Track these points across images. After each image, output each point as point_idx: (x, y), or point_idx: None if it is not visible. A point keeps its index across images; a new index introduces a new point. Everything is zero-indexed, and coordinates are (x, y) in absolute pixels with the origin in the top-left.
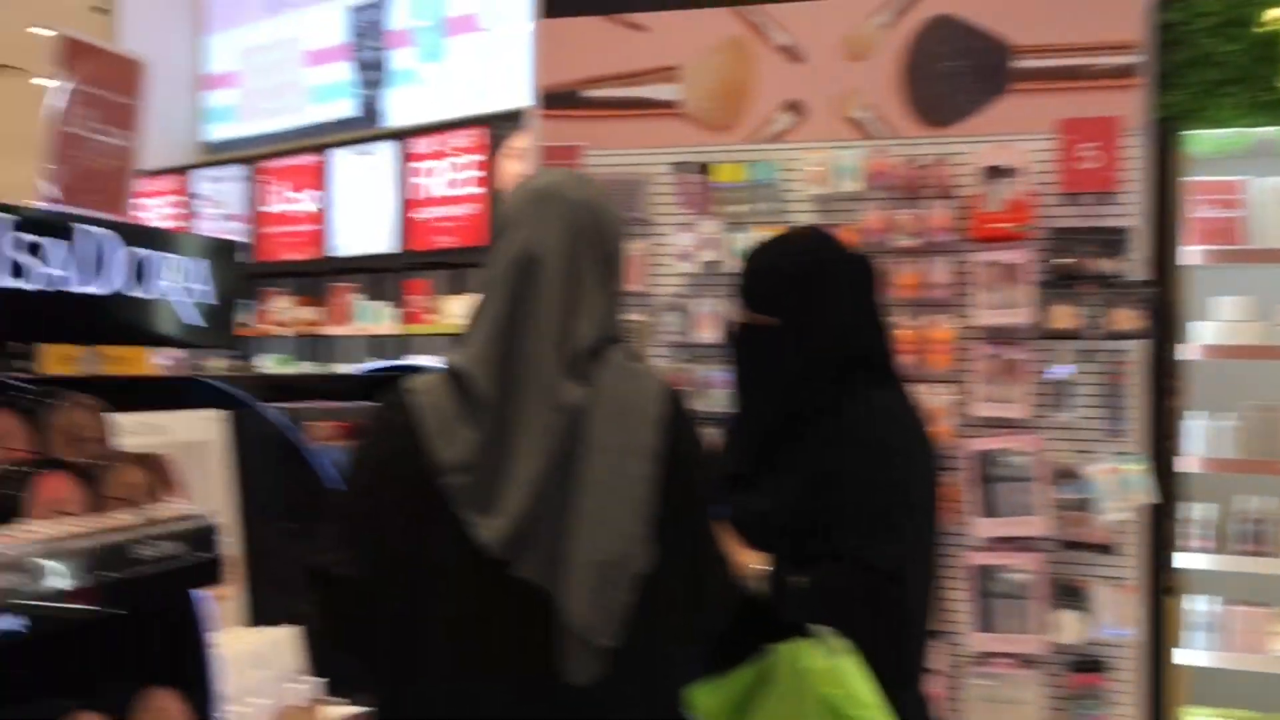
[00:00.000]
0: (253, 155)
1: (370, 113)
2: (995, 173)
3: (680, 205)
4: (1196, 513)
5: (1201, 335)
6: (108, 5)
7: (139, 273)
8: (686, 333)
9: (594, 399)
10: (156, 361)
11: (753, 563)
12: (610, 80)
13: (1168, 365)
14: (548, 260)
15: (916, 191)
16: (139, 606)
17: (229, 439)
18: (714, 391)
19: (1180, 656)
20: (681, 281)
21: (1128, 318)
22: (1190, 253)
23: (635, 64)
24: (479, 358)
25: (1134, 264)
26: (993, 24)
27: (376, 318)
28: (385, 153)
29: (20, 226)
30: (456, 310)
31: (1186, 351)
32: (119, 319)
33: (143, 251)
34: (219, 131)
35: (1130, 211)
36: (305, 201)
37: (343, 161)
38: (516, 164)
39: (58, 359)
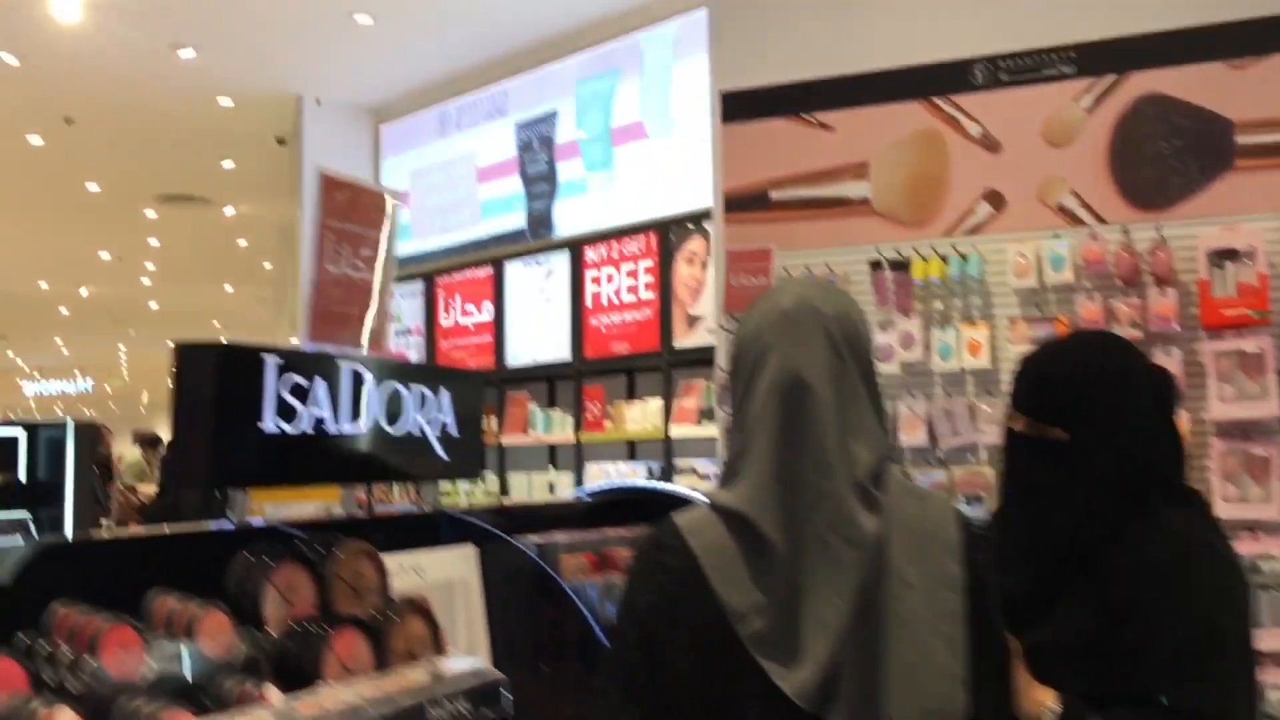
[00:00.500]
0: (428, 270)
1: (541, 224)
2: (1223, 255)
3: (878, 304)
4: None
5: None
6: (289, 135)
7: (391, 408)
8: (890, 436)
9: (889, 528)
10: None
11: (1045, 700)
12: (797, 180)
13: None
14: (815, 384)
15: (1135, 279)
16: None
17: (482, 576)
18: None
19: None
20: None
21: None
22: None
23: (823, 163)
24: (756, 494)
25: None
26: (1210, 100)
27: (553, 426)
28: (557, 262)
29: (286, 368)
30: (632, 416)
31: None
32: (374, 457)
33: (394, 385)
34: (397, 249)
35: None
36: (480, 313)
37: (515, 272)
38: (691, 267)
39: (262, 500)
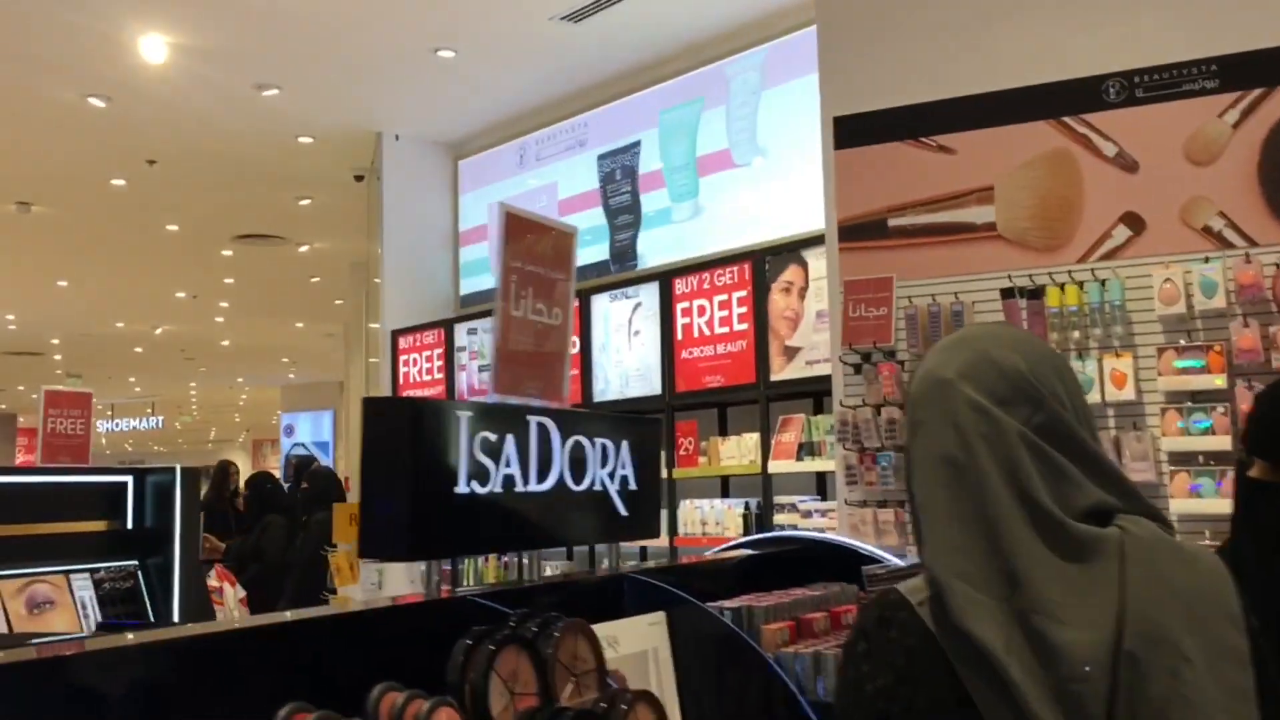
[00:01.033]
0: None
1: (625, 255)
2: None
3: None
4: None
5: None
6: (366, 172)
7: (575, 463)
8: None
9: (1151, 591)
10: None
11: None
12: (917, 206)
13: None
14: (966, 459)
15: None
16: None
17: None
18: None
19: None
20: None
21: None
22: None
23: (944, 187)
24: (982, 562)
25: None
26: None
27: None
28: (646, 294)
29: (478, 424)
30: (728, 451)
31: None
32: (559, 518)
33: (578, 438)
34: (476, 284)
35: None
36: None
37: (601, 305)
38: (788, 298)
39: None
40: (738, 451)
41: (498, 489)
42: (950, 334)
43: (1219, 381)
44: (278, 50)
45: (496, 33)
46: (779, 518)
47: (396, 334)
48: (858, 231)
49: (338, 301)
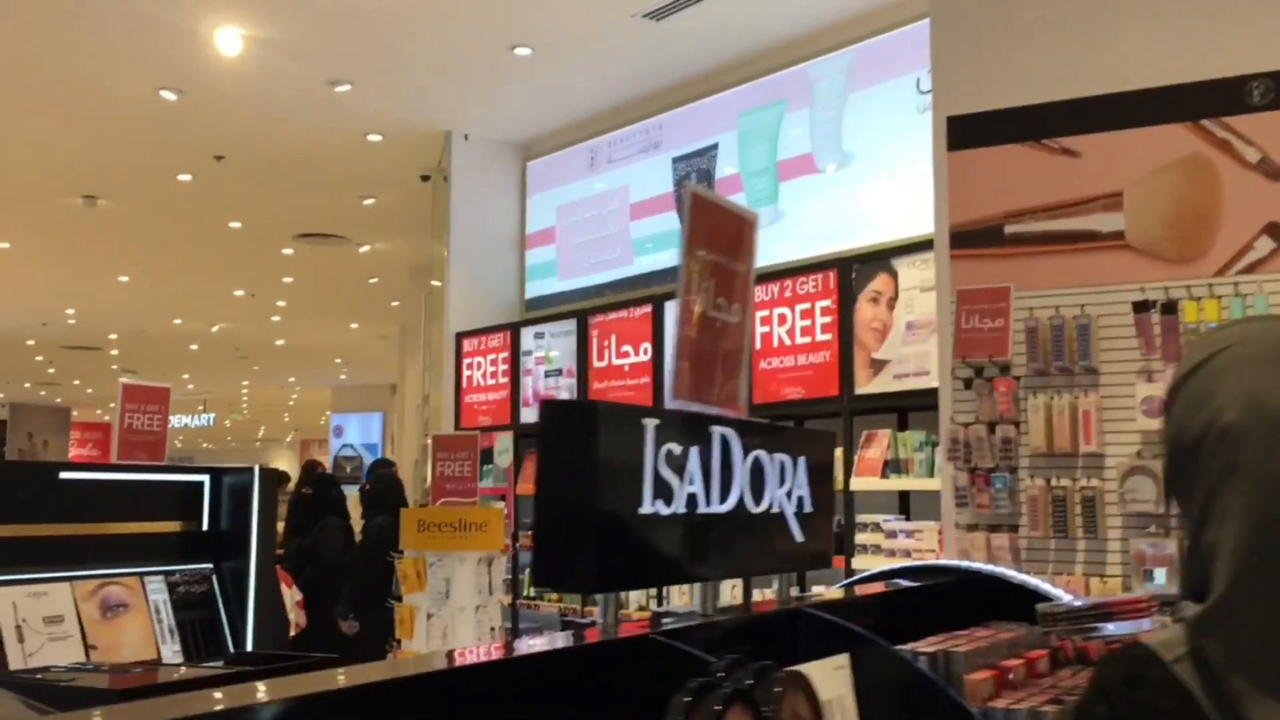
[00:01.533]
0: (580, 309)
1: None
2: None
3: (1144, 350)
4: None
5: None
6: (433, 172)
7: (754, 481)
8: (1157, 502)
9: None
10: None
11: None
12: (1037, 212)
13: None
14: None
15: None
16: None
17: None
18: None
19: None
20: (1144, 440)
21: None
22: None
23: (1067, 193)
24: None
25: None
26: None
27: None
28: None
29: (663, 434)
30: None
31: None
32: (738, 543)
33: (758, 454)
34: (540, 288)
35: None
36: (636, 354)
37: (674, 312)
38: (876, 308)
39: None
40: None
41: (681, 509)
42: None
43: None
44: (353, 45)
45: (576, 30)
46: (860, 538)
47: (461, 336)
48: (971, 238)
49: (394, 303)
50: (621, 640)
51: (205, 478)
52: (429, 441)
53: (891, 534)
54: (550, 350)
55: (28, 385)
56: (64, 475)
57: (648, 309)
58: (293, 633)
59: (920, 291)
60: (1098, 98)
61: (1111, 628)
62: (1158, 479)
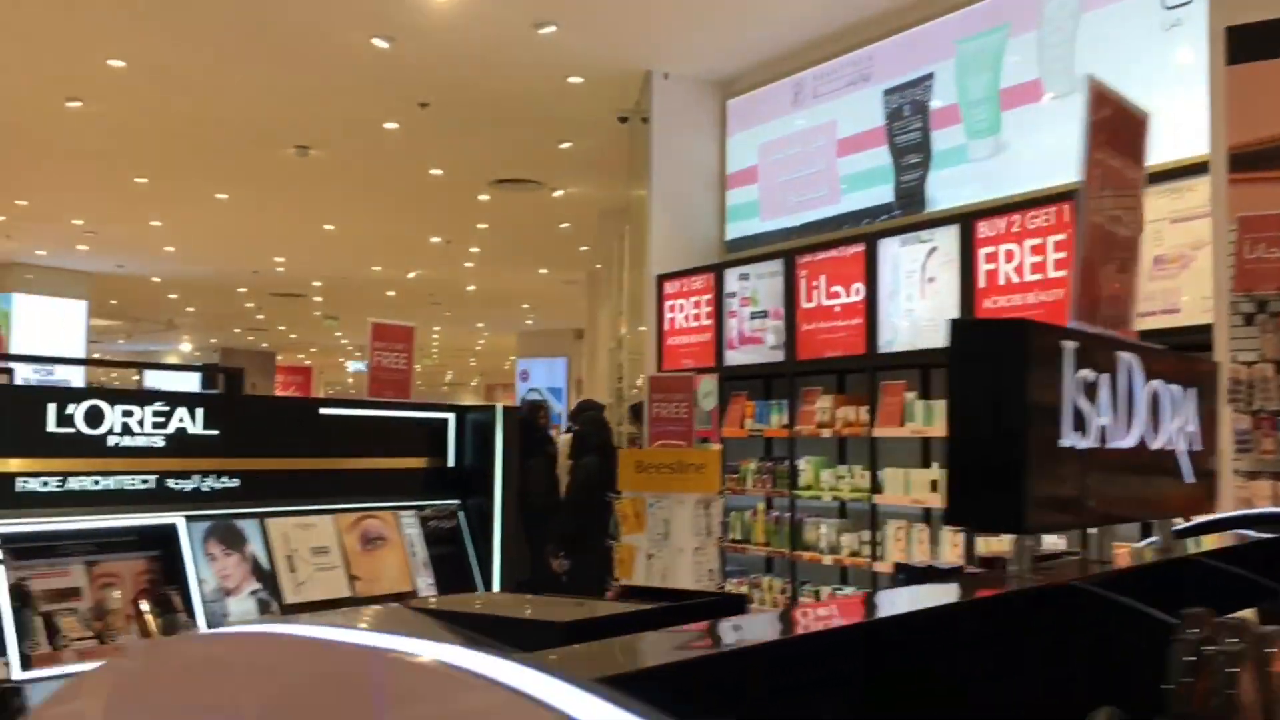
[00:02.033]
0: (787, 249)
1: (912, 197)
2: None
3: None
4: None
5: None
6: (630, 113)
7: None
8: None
9: None
10: None
11: None
12: None
13: None
14: None
15: None
16: None
17: None
18: None
19: None
20: None
21: None
22: None
23: None
24: None
25: None
26: None
27: (934, 417)
28: (941, 238)
29: (1081, 357)
30: None
31: None
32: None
33: (1156, 385)
34: (741, 229)
35: None
36: (848, 294)
37: (889, 250)
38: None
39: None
40: None
41: (1094, 443)
42: None
43: None
44: None
45: None
46: None
47: (662, 279)
48: (1254, 160)
49: (583, 248)
50: (1039, 589)
51: (450, 415)
52: (641, 383)
53: None
54: (755, 291)
55: (237, 330)
56: (323, 411)
57: (860, 248)
58: None
59: (1170, 223)
60: None
61: None
62: None
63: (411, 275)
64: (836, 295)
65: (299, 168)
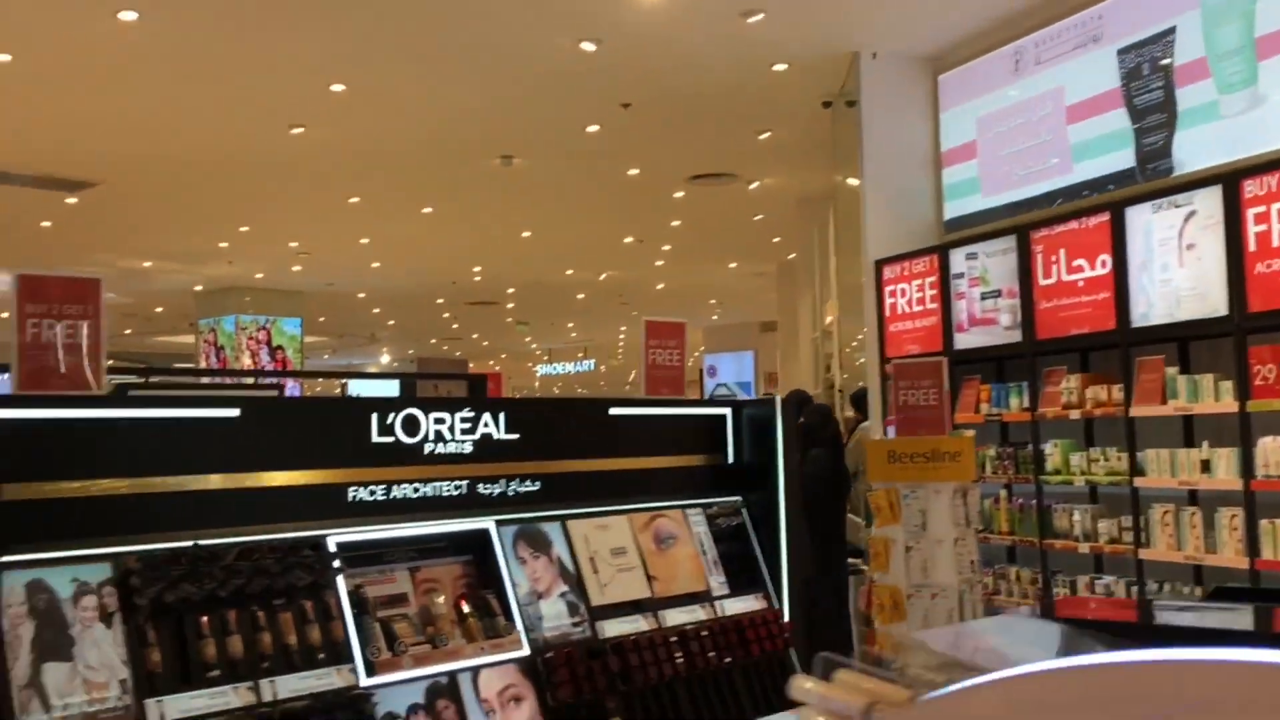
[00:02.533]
0: (1018, 224)
1: (1155, 160)
2: None
3: None
4: None
5: None
6: (835, 97)
7: None
8: None
9: None
10: None
11: None
12: None
13: None
14: None
15: None
16: None
17: None
18: None
19: None
20: None
21: None
22: None
23: None
24: None
25: None
26: None
27: (1200, 393)
28: (1201, 201)
29: None
30: None
31: None
32: None
33: None
34: (960, 207)
35: None
36: (1092, 267)
37: (1139, 217)
38: None
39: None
40: None
41: None
42: None
43: None
44: None
45: None
46: None
47: (881, 264)
48: None
49: (776, 239)
50: None
51: (727, 410)
52: (857, 371)
53: None
54: (985, 271)
55: (433, 341)
56: (612, 411)
57: (1104, 217)
58: None
59: None
60: None
61: None
62: None
63: (603, 277)
64: (1079, 269)
65: (502, 177)
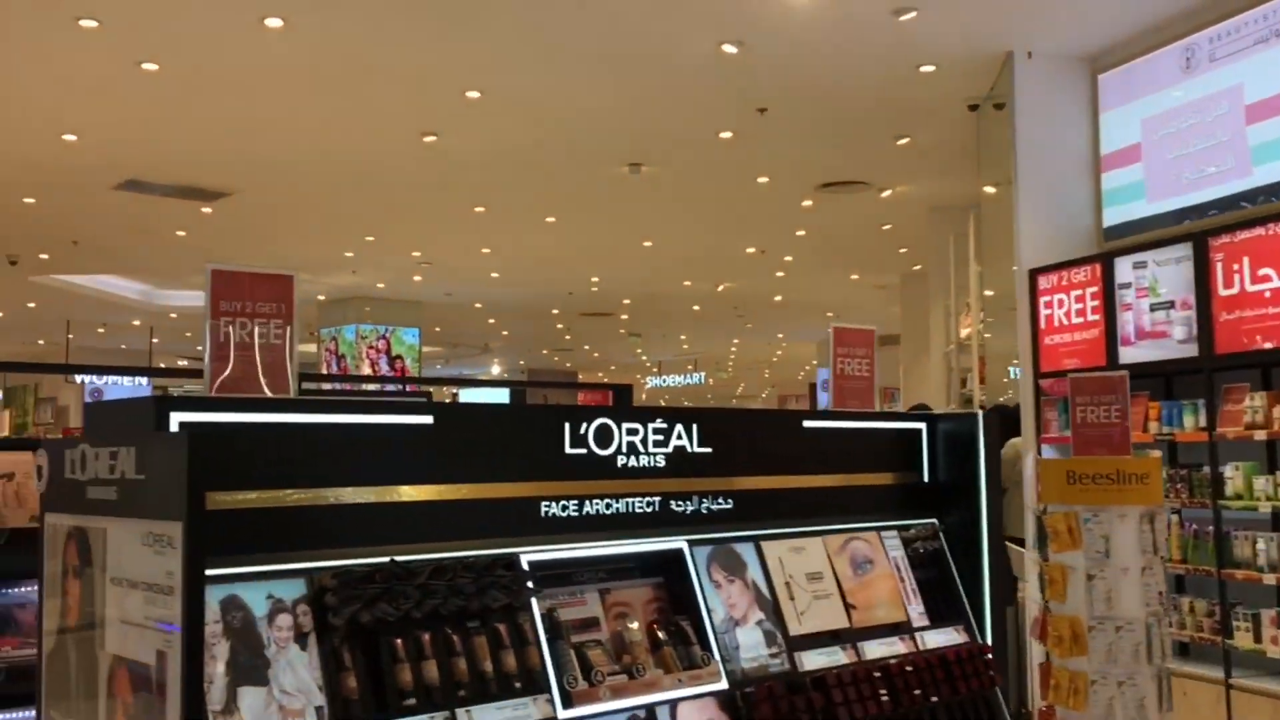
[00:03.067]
0: (1195, 231)
1: None
2: None
3: None
4: None
5: None
6: (983, 100)
7: None
8: None
9: None
10: None
11: None
12: None
13: None
14: None
15: None
16: None
17: None
18: None
19: None
20: None
21: None
22: None
23: None
24: None
25: None
26: None
27: None
28: None
29: None
30: None
31: None
32: None
33: None
34: (1122, 213)
35: None
36: (1279, 277)
37: None
38: None
39: None
40: None
41: None
42: None
43: None
44: None
45: None
46: None
47: (1035, 273)
48: None
49: (902, 250)
50: None
51: (921, 425)
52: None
53: None
54: (1155, 280)
55: (545, 351)
56: (806, 424)
57: None
58: None
59: None
60: None
61: None
62: None
63: (720, 288)
64: (1265, 279)
65: (629, 186)
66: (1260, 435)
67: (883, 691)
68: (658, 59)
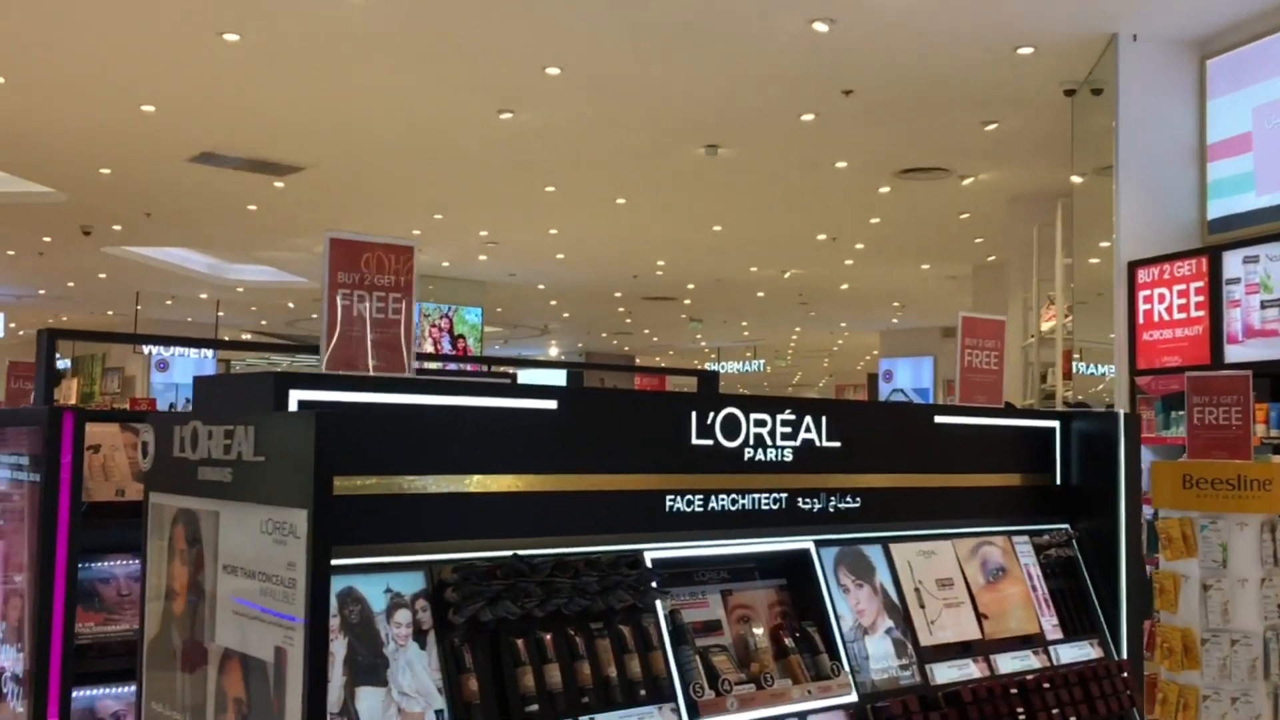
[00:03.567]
0: None
1: None
2: None
3: None
4: None
5: None
6: (1080, 85)
7: None
8: None
9: None
10: None
11: None
12: None
13: None
14: None
15: None
16: None
17: None
18: None
19: None
20: None
21: None
22: None
23: None
24: None
25: None
26: None
27: None
28: None
29: None
30: None
31: None
32: None
33: None
34: (1229, 205)
35: None
36: None
37: None
38: None
39: None
40: None
41: None
42: None
43: None
44: None
45: None
46: None
47: (1135, 266)
48: None
49: (978, 240)
50: None
51: (1055, 424)
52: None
53: None
54: (1267, 276)
55: (604, 335)
56: (938, 420)
57: None
58: None
59: None
60: None
61: None
62: None
63: (787, 275)
64: None
65: (704, 167)
66: None
67: (1020, 710)
68: (746, 35)
